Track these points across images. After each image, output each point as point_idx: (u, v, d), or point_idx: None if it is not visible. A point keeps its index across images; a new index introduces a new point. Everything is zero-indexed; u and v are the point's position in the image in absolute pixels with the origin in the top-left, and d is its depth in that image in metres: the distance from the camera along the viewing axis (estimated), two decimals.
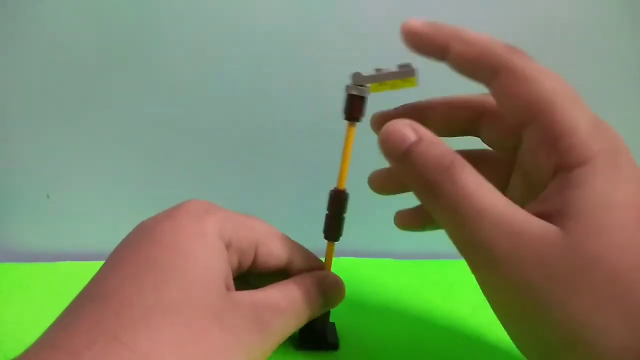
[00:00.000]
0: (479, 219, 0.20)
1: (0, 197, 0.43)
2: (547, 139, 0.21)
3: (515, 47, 0.23)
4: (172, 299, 0.20)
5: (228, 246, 0.24)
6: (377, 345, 0.31)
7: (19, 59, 0.41)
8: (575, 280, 0.19)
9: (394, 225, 0.30)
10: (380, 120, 0.27)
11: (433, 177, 0.21)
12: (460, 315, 0.35)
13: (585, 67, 0.43)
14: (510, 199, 0.21)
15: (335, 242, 0.28)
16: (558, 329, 0.19)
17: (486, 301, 0.22)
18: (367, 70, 0.25)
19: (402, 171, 0.22)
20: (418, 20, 0.23)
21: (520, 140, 0.23)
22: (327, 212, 0.28)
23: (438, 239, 0.28)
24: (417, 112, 0.27)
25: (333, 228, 0.28)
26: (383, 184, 0.29)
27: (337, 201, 0.27)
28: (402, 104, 0.27)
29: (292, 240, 0.28)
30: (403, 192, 0.28)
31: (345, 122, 0.26)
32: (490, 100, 0.24)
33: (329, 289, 0.27)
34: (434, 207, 0.22)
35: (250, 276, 0.27)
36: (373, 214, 0.37)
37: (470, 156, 0.23)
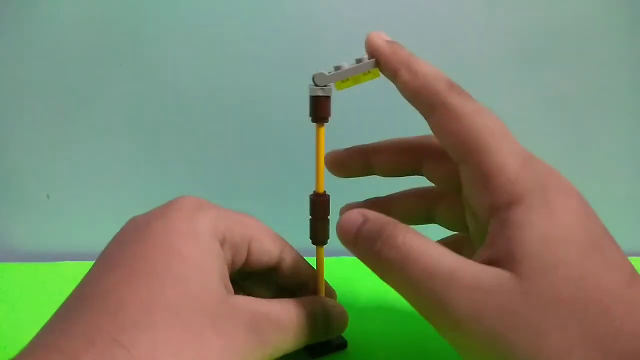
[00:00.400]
0: (431, 279, 0.20)
1: (0, 197, 0.43)
2: (478, 178, 0.22)
3: (455, 84, 0.23)
4: (168, 302, 0.20)
5: (222, 243, 0.24)
6: (382, 343, 0.31)
7: (19, 60, 0.41)
8: (540, 324, 0.18)
9: None
10: (335, 162, 0.28)
11: (375, 247, 0.21)
12: None
13: (586, 67, 0.43)
14: (472, 239, 0.21)
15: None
16: None
17: None
18: (328, 69, 0.25)
19: (359, 255, 0.23)
20: (381, 37, 0.24)
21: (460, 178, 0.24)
22: (310, 217, 0.27)
23: (438, 237, 0.28)
24: (363, 155, 0.28)
25: (317, 232, 0.27)
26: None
27: (318, 205, 0.27)
28: (353, 146, 0.28)
29: (283, 239, 0.27)
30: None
31: (314, 124, 0.26)
32: (431, 141, 0.25)
33: (334, 318, 0.27)
34: (388, 279, 0.22)
35: (242, 280, 0.27)
36: None
37: (430, 196, 0.25)
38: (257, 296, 0.25)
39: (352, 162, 0.28)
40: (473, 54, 0.41)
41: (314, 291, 0.28)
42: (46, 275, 0.39)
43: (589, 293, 0.19)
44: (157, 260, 0.21)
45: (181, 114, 0.43)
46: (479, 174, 0.22)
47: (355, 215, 0.23)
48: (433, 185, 0.28)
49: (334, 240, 0.25)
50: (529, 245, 0.19)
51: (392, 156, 0.28)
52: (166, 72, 0.42)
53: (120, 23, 0.41)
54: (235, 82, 0.42)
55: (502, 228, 0.20)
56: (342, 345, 0.30)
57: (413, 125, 0.42)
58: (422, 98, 0.23)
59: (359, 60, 0.24)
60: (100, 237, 0.41)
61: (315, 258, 0.28)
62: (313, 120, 0.26)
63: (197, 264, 0.22)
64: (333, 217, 0.28)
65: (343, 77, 0.24)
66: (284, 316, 0.24)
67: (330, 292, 0.29)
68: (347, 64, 0.25)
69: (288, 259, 0.27)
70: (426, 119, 0.23)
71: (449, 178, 0.26)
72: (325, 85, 0.25)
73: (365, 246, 0.22)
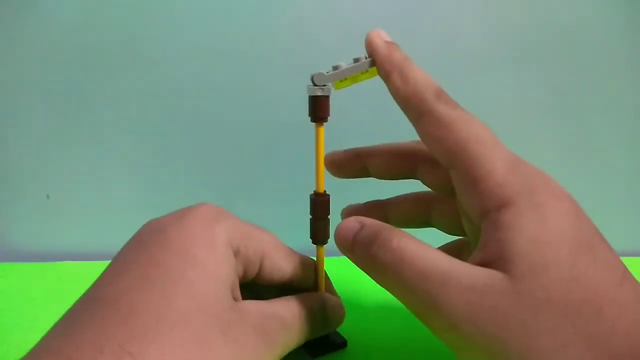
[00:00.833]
0: (425, 281, 0.20)
1: (0, 197, 0.43)
2: (467, 182, 0.22)
3: (443, 93, 0.24)
4: (179, 309, 0.20)
5: (236, 254, 0.24)
6: (381, 342, 0.31)
7: (19, 60, 0.41)
8: (532, 325, 0.19)
9: None
10: (334, 164, 0.29)
11: (371, 251, 0.22)
12: None
13: (586, 67, 0.43)
14: (470, 242, 0.22)
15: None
16: None
17: None
18: (326, 69, 0.25)
19: (355, 260, 0.23)
20: (381, 37, 0.24)
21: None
22: (310, 216, 0.27)
23: (439, 238, 0.28)
24: (359, 158, 0.28)
25: (318, 232, 0.27)
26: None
27: (318, 204, 0.27)
28: (351, 148, 0.29)
29: (298, 255, 0.27)
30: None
31: (313, 124, 0.26)
32: (424, 146, 0.25)
33: (331, 311, 0.27)
34: (384, 282, 0.22)
35: (253, 284, 0.27)
36: None
37: (428, 200, 0.26)
38: (261, 293, 0.25)
39: (350, 164, 0.29)
40: (473, 54, 0.41)
41: (314, 289, 0.28)
42: (46, 275, 0.39)
43: (581, 294, 0.19)
44: (171, 266, 0.21)
45: (181, 114, 0.43)
46: (468, 179, 0.22)
47: (353, 222, 0.24)
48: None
49: (334, 240, 0.25)
50: (519, 247, 0.20)
51: (387, 160, 0.28)
52: (166, 72, 0.42)
53: (120, 23, 0.41)
54: (235, 82, 0.42)
55: (493, 231, 0.21)
56: (342, 344, 0.30)
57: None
58: (411, 105, 0.23)
59: (356, 60, 0.25)
60: (100, 236, 0.41)
61: (315, 257, 0.28)
62: (312, 120, 0.26)
63: (211, 272, 0.22)
64: (333, 217, 0.28)
65: (341, 76, 0.25)
66: (287, 314, 0.24)
67: (332, 292, 0.30)
68: (344, 63, 0.25)
69: (301, 277, 0.27)
70: (414, 125, 0.24)
71: (443, 183, 0.26)
72: (324, 85, 0.25)
73: (362, 251, 0.22)
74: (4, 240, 0.44)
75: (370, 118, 0.42)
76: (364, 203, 0.29)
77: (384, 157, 0.28)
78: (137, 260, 0.21)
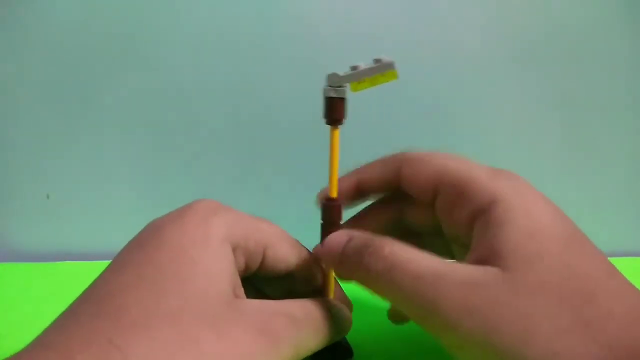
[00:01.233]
0: (419, 282, 0.21)
1: (0, 197, 0.43)
2: (456, 195, 0.23)
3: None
4: (170, 307, 0.20)
5: (235, 248, 0.24)
6: (388, 350, 0.30)
7: (19, 60, 0.41)
8: (529, 313, 0.19)
9: None
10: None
11: (364, 260, 0.22)
12: None
13: (586, 67, 0.43)
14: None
15: None
16: None
17: None
18: (344, 70, 0.24)
19: (345, 272, 0.24)
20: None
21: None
22: (321, 221, 0.27)
23: None
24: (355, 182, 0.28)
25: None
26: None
27: (330, 209, 0.26)
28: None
29: (302, 245, 0.27)
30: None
31: (328, 126, 0.25)
32: (397, 177, 0.26)
33: (342, 319, 0.26)
34: (378, 289, 0.22)
35: (257, 281, 0.27)
36: None
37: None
38: (270, 298, 0.24)
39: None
40: (473, 54, 0.41)
41: (324, 294, 0.28)
42: (46, 275, 0.39)
43: (576, 280, 0.20)
44: (165, 265, 0.21)
45: (182, 114, 0.43)
46: (456, 192, 0.23)
47: (341, 235, 0.24)
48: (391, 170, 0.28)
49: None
50: (512, 239, 0.20)
51: (376, 211, 0.29)
52: (167, 72, 0.42)
53: (120, 23, 0.41)
54: (236, 82, 0.42)
55: (485, 228, 0.21)
56: (349, 353, 0.29)
57: (422, 127, 0.42)
58: (389, 166, 0.26)
59: (377, 61, 0.23)
60: (100, 236, 0.41)
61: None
62: (327, 123, 0.25)
63: (205, 268, 0.21)
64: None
65: (358, 77, 0.23)
66: (298, 312, 0.23)
67: (343, 298, 0.29)
68: (364, 64, 0.23)
69: (305, 267, 0.26)
70: (396, 177, 0.26)
71: (428, 220, 0.27)
72: (339, 87, 0.24)
73: (353, 262, 0.23)
74: (4, 240, 0.44)
75: (384, 121, 0.42)
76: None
77: (373, 210, 0.29)
78: (133, 260, 0.22)
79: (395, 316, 0.27)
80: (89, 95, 0.42)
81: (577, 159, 0.44)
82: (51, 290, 0.37)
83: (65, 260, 0.41)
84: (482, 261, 0.21)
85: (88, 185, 0.44)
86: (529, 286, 0.19)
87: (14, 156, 0.43)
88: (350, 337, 0.31)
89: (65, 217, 0.44)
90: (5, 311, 0.34)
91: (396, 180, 0.26)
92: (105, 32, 0.41)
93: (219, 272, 0.22)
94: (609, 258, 0.21)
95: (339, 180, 0.26)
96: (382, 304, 0.35)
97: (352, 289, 0.36)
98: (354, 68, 0.23)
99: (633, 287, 0.21)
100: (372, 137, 0.39)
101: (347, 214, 0.28)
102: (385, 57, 0.23)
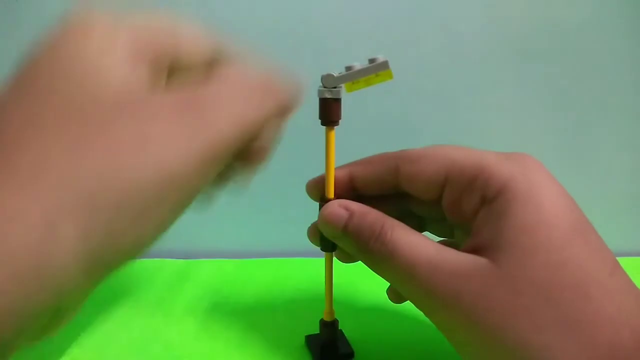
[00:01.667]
0: (415, 269, 0.22)
1: None
2: (464, 183, 0.23)
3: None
4: (55, 113, 0.18)
5: (140, 54, 0.20)
6: (387, 351, 0.30)
7: (19, 59, 0.41)
8: (511, 307, 0.20)
9: None
10: (311, 186, 0.28)
11: (369, 245, 0.23)
12: None
13: (586, 67, 0.43)
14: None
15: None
16: (506, 356, 0.20)
17: None
18: (339, 70, 0.24)
19: (345, 246, 0.25)
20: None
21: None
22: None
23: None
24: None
25: (327, 239, 0.26)
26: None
27: None
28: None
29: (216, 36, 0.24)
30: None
31: (324, 127, 0.25)
32: (395, 177, 0.26)
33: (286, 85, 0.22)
34: (378, 270, 0.24)
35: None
36: None
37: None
38: None
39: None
40: (473, 54, 0.41)
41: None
42: None
43: (568, 278, 0.20)
44: (59, 71, 0.20)
45: None
46: (466, 180, 0.23)
47: (339, 209, 0.25)
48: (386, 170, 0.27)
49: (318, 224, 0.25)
50: (509, 233, 0.20)
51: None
52: None
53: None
54: None
55: (487, 218, 0.22)
56: (349, 355, 0.29)
57: (421, 127, 0.42)
58: (385, 168, 0.26)
59: (372, 61, 0.23)
60: None
61: (323, 259, 0.28)
62: (322, 124, 0.25)
63: (106, 72, 0.19)
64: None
65: (353, 78, 0.23)
66: (224, 89, 0.20)
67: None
68: (359, 64, 0.23)
69: (223, 51, 0.23)
70: (395, 177, 0.26)
71: (431, 213, 0.27)
72: (334, 87, 0.24)
73: (356, 242, 0.24)
74: None
75: (379, 119, 0.42)
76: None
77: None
78: (31, 66, 0.21)
79: (394, 296, 0.28)
80: None
81: (577, 159, 0.44)
82: None
83: None
84: (479, 250, 0.21)
85: None
86: (516, 281, 0.20)
87: None
88: (351, 337, 0.30)
89: None
90: None
91: (394, 180, 0.26)
92: None
93: (123, 74, 0.19)
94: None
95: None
96: (382, 304, 0.35)
97: (352, 288, 0.36)
98: (348, 68, 0.23)
99: (634, 287, 0.20)
100: (369, 137, 0.39)
101: None
102: (380, 57, 0.23)
